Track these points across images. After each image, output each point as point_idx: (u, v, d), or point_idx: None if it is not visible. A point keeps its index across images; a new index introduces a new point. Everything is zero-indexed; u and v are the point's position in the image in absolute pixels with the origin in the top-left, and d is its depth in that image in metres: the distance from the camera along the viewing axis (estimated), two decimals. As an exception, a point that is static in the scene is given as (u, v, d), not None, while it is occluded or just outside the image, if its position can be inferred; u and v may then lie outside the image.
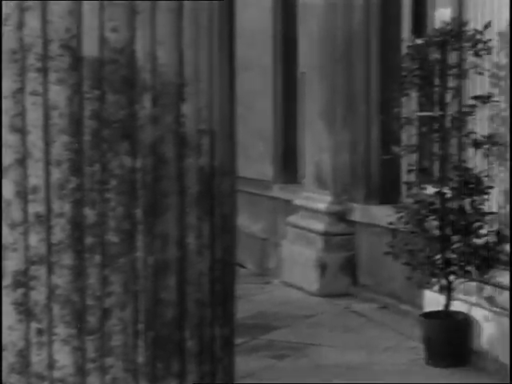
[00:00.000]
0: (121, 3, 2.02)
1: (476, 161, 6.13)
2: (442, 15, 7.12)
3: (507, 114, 5.90)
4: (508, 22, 5.86)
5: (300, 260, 8.72)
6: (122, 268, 2.05)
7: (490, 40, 5.91)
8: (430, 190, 6.14)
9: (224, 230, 2.20)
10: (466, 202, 6.01)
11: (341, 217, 8.56)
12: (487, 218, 5.94)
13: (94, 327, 2.04)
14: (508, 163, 5.89)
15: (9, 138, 2.02)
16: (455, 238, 6.00)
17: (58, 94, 2.01)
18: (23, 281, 2.02)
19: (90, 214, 2.02)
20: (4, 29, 2.00)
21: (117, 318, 2.05)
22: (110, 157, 2.04)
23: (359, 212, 8.36)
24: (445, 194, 6.04)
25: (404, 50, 6.94)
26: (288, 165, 10.57)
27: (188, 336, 2.11)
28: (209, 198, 2.15)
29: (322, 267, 8.43)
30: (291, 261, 8.95)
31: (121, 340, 2.05)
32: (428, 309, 6.43)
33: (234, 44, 2.33)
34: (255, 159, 11.49)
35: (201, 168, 2.13)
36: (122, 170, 2.04)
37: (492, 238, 5.89)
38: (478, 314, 5.97)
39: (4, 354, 2.04)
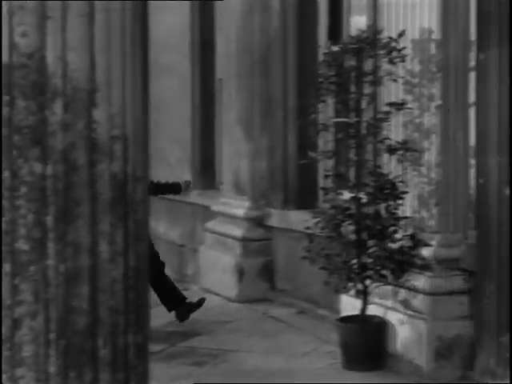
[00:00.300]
0: (31, 8, 1.99)
1: (391, 166, 6.22)
2: (357, 23, 7.21)
3: (420, 120, 6.00)
4: (420, 31, 5.97)
5: (218, 266, 8.72)
6: (33, 276, 2.01)
7: (404, 48, 6.01)
8: (346, 195, 6.21)
9: (137, 236, 2.18)
10: (382, 206, 6.09)
11: (259, 222, 8.58)
12: (402, 222, 6.04)
13: (5, 337, 2.00)
14: (422, 168, 6.00)
15: None
16: (371, 242, 6.07)
17: (-33, 99, 1.97)
18: None
19: (-1, 221, 1.99)
20: None
21: (28, 327, 2.01)
22: (20, 163, 2.00)
23: (277, 217, 8.40)
24: (360, 199, 6.11)
25: (321, 57, 7.01)
26: (206, 171, 10.56)
27: (101, 344, 2.08)
28: (122, 204, 2.12)
29: (240, 273, 8.44)
30: (209, 267, 8.94)
31: (32, 350, 2.01)
32: (345, 313, 6.49)
33: (148, 49, 2.31)
34: (173, 165, 11.45)
35: (113, 174, 2.10)
36: (32, 177, 2.01)
37: (407, 243, 5.98)
38: (393, 317, 6.05)
39: None
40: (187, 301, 7.63)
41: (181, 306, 7.61)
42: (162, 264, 7.68)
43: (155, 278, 7.41)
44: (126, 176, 2.14)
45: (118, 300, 2.11)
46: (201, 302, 7.66)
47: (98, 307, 2.07)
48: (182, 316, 7.56)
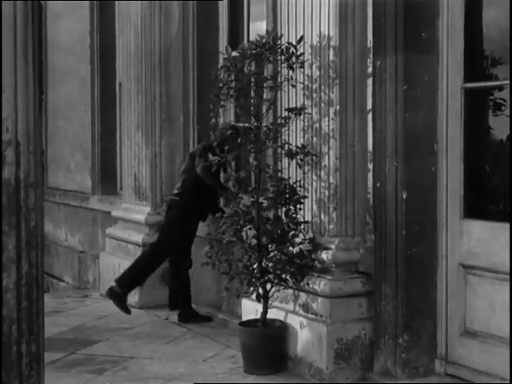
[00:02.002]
0: None
1: (290, 171, 6.28)
2: (257, 29, 7.25)
3: (319, 125, 6.07)
4: (318, 37, 6.04)
5: (119, 272, 8.62)
6: None
7: (303, 53, 6.07)
8: (247, 199, 6.23)
9: (31, 244, 2.14)
10: (282, 211, 6.13)
11: (159, 228, 8.53)
12: (301, 226, 6.09)
13: None
14: (321, 173, 6.07)
15: None
16: (271, 246, 6.11)
17: None
18: None
19: None
20: None
21: None
22: None
23: (178, 222, 8.36)
24: (261, 203, 6.14)
25: (221, 62, 7.03)
26: (107, 176, 10.48)
27: (-8, 354, 2.03)
28: (14, 211, 2.08)
29: (141, 279, 8.36)
30: (110, 273, 8.84)
31: None
32: (246, 317, 6.51)
33: (42, 53, 2.27)
34: (74, 171, 11.33)
35: (5, 180, 2.06)
36: None
37: (306, 247, 6.04)
38: (294, 320, 6.09)
39: None
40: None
41: (187, 309, 7.80)
42: (190, 264, 7.77)
43: (181, 273, 7.75)
44: (18, 182, 2.10)
45: (10, 309, 2.06)
46: (209, 318, 7.75)
47: (-11, 316, 2.02)
48: (186, 318, 7.72)
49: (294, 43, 6.10)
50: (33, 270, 2.13)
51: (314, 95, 6.11)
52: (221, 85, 6.25)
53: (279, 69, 6.24)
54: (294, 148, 6.11)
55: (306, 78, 6.15)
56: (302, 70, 6.09)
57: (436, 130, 5.74)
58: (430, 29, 5.71)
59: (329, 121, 6.01)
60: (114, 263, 8.89)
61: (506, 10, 5.33)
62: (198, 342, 7.03)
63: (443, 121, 5.72)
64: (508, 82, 5.36)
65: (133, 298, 8.33)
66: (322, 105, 6.05)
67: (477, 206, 5.70)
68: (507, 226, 5.29)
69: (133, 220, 8.80)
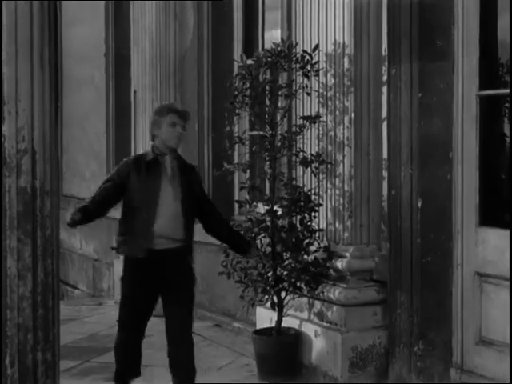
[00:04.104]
0: None
1: (305, 179, 6.27)
2: (272, 37, 7.26)
3: (334, 133, 6.07)
4: (333, 46, 6.04)
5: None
6: None
7: (318, 62, 6.07)
8: (262, 207, 6.23)
9: (47, 252, 2.14)
10: (296, 219, 6.13)
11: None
12: (316, 234, 6.08)
13: None
14: (336, 181, 6.06)
15: None
16: (286, 254, 6.10)
17: None
18: None
19: None
20: None
21: None
22: None
23: (193, 230, 8.37)
24: (276, 211, 6.13)
25: (236, 70, 7.04)
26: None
27: (8, 363, 2.03)
28: (30, 219, 2.09)
29: (156, 287, 8.35)
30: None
31: None
32: (261, 326, 6.51)
33: (58, 61, 2.28)
34: (89, 179, 11.35)
35: (21, 188, 2.07)
36: None
37: (321, 255, 6.03)
38: (308, 329, 6.08)
39: None
40: None
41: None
42: None
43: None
44: (34, 190, 2.10)
45: (26, 317, 2.07)
46: None
47: (5, 325, 2.02)
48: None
49: (309, 51, 6.10)
50: (48, 278, 2.14)
51: (329, 103, 6.11)
52: (236, 93, 6.26)
53: (294, 77, 6.24)
54: (309, 156, 6.11)
55: (320, 86, 6.16)
56: (316, 78, 6.09)
57: (451, 137, 5.71)
58: (445, 37, 5.70)
59: (344, 129, 6.01)
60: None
61: (521, 17, 5.31)
62: (213, 350, 7.02)
63: (458, 128, 5.70)
64: (523, 89, 5.36)
65: (147, 305, 8.32)
66: (337, 113, 6.05)
67: (492, 214, 5.67)
68: (523, 234, 5.26)
69: (148, 228, 8.79)
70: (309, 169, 6.13)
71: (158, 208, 4.99)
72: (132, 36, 9.44)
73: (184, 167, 5.17)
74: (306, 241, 6.04)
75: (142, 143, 9.07)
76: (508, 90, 5.62)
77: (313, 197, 6.10)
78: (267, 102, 6.30)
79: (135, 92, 9.61)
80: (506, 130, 5.74)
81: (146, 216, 4.99)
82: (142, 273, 5.18)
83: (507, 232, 5.45)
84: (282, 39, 6.47)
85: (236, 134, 7.01)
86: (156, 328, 7.73)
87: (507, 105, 5.71)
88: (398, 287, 5.78)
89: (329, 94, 6.12)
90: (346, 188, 6.00)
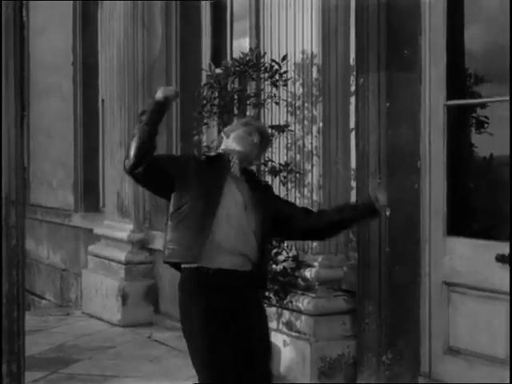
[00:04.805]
0: None
1: (274, 188, 6.26)
2: (241, 46, 7.26)
3: (303, 142, 6.07)
4: (302, 55, 6.05)
5: (101, 290, 8.59)
6: None
7: (287, 71, 6.07)
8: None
9: (11, 263, 2.11)
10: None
11: (142, 245, 8.52)
12: (285, 244, 6.07)
13: None
14: (303, 189, 6.06)
15: None
16: (255, 264, 6.07)
17: None
18: None
19: None
20: None
21: None
22: None
23: (161, 240, 8.30)
24: (244, 221, 6.10)
25: (204, 79, 7.02)
26: (89, 193, 10.44)
27: (-28, 375, 2.00)
28: (-6, 229, 2.06)
29: (124, 297, 8.33)
30: (92, 291, 8.79)
31: None
32: (229, 335, 6.47)
33: (23, 70, 2.25)
34: (56, 188, 11.28)
35: (-14, 198, 2.04)
36: None
37: (289, 264, 6.02)
38: (277, 339, 6.06)
39: None
40: None
41: None
42: None
43: None
44: (-1, 200, 2.07)
45: (-10, 329, 2.04)
46: None
47: (-31, 336, 1.99)
48: None
49: (277, 61, 6.10)
50: (13, 289, 2.10)
51: (298, 112, 6.11)
52: (204, 102, 6.24)
53: (263, 86, 6.24)
54: (278, 165, 6.10)
55: (289, 95, 6.16)
56: (285, 87, 6.09)
57: (419, 147, 5.75)
58: (412, 46, 5.73)
59: (312, 138, 6.02)
60: (97, 281, 8.83)
61: (488, 28, 5.36)
62: (181, 359, 6.98)
63: (426, 138, 5.73)
64: (490, 99, 5.40)
65: (115, 316, 8.29)
66: (306, 122, 6.06)
67: (460, 224, 5.70)
68: (491, 243, 5.30)
69: (115, 237, 8.76)
70: (277, 178, 6.12)
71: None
72: (100, 44, 9.41)
73: (256, 181, 4.26)
74: (275, 250, 6.03)
75: (109, 152, 9.04)
76: (475, 101, 5.67)
77: (281, 206, 6.09)
78: (236, 112, 6.29)
79: (103, 101, 9.58)
80: (474, 140, 5.79)
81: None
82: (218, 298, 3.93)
83: (474, 241, 5.48)
84: (250, 48, 6.46)
85: (205, 144, 6.98)
86: (120, 339, 7.73)
87: (474, 114, 5.75)
88: (366, 296, 5.78)
89: (297, 104, 6.13)
90: (314, 197, 6.00)
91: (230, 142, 4.20)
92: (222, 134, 4.30)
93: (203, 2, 8.19)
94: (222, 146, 4.25)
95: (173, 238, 3.98)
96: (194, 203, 3.93)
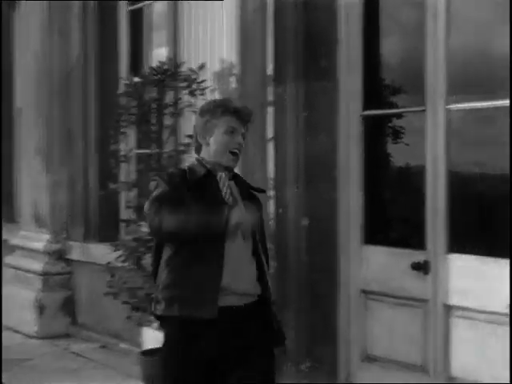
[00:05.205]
0: None
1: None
2: (160, 54, 7.22)
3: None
4: (220, 64, 6.05)
5: (17, 301, 8.43)
6: None
7: (205, 80, 6.06)
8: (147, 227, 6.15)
9: None
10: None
11: (59, 256, 8.39)
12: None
13: None
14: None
15: None
16: (173, 274, 6.02)
17: None
18: None
19: None
20: None
21: None
22: None
23: (78, 250, 8.24)
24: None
25: (122, 88, 6.96)
26: (4, 203, 10.24)
27: None
28: None
29: (41, 308, 8.19)
30: (9, 303, 8.62)
31: None
32: (148, 346, 6.41)
33: None
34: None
35: None
36: None
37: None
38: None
39: None
40: None
41: None
42: None
43: None
44: None
45: None
46: None
47: None
48: None
49: (195, 70, 6.09)
50: None
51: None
52: (121, 111, 6.19)
53: (180, 95, 6.21)
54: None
55: (207, 104, 6.13)
56: (203, 96, 6.07)
57: (336, 157, 5.79)
58: (330, 57, 5.77)
59: (230, 148, 6.00)
60: (13, 292, 8.66)
61: (404, 40, 5.44)
62: (99, 371, 6.90)
63: (343, 148, 5.78)
64: (406, 109, 5.48)
65: (32, 328, 8.14)
66: (224, 132, 6.03)
67: (376, 232, 5.77)
68: (406, 251, 5.37)
69: (32, 248, 8.61)
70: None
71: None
72: (16, 52, 9.25)
73: (247, 190, 3.71)
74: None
75: (25, 161, 8.89)
76: (391, 111, 5.74)
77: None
78: (153, 121, 6.25)
79: (19, 109, 9.42)
80: (390, 150, 5.86)
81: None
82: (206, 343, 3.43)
83: (391, 249, 5.55)
84: (168, 58, 6.43)
85: (122, 153, 6.92)
86: (37, 351, 7.59)
87: (390, 124, 5.83)
88: (285, 306, 5.79)
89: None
90: (233, 207, 5.98)
91: (212, 152, 3.56)
92: (199, 139, 3.61)
93: (121, 11, 8.11)
94: (203, 154, 3.61)
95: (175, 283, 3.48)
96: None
